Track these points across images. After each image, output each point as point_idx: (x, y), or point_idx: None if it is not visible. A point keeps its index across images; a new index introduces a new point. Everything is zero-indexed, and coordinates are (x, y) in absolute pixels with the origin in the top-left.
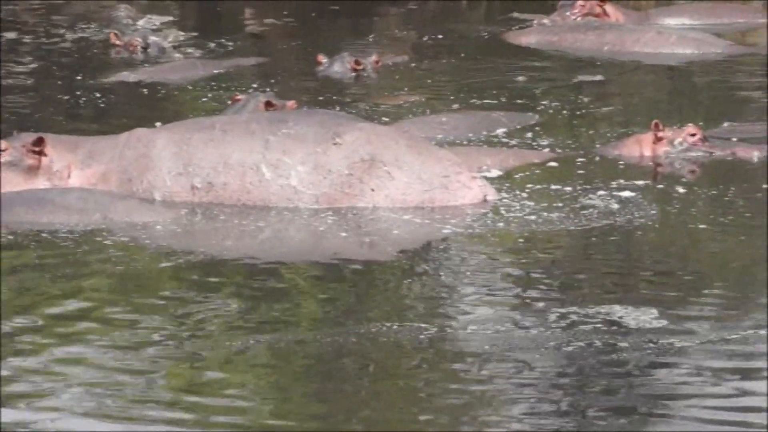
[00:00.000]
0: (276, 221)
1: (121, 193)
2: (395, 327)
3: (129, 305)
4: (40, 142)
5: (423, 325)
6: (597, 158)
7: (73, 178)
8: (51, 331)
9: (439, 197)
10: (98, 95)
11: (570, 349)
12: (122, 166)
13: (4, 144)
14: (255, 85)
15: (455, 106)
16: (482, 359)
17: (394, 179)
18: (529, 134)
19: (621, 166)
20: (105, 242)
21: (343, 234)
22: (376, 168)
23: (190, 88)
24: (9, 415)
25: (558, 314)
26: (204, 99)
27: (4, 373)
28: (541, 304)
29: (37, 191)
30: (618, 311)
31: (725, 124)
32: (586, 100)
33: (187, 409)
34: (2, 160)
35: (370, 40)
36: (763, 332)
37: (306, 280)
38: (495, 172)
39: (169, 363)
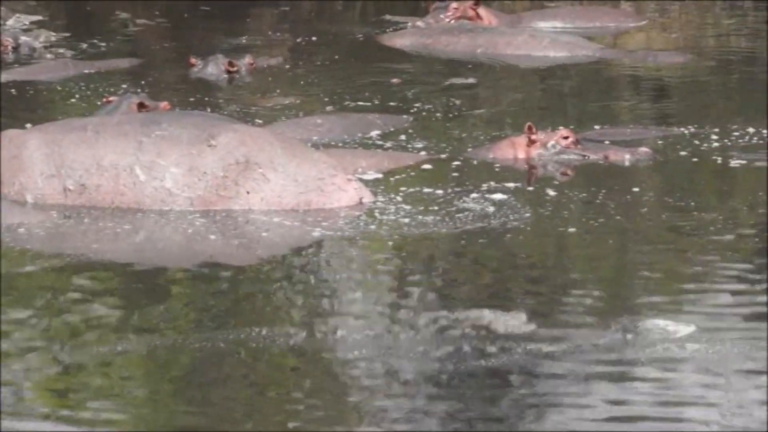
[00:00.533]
0: (150, 224)
1: None
2: (264, 332)
3: None
4: None
5: (292, 330)
6: (471, 161)
7: None
8: None
9: (315, 200)
10: None
11: (438, 354)
12: None
13: None
14: (127, 86)
15: (330, 108)
16: (351, 365)
17: (269, 181)
18: (403, 136)
19: (495, 169)
20: None
21: (217, 237)
22: (250, 170)
23: (61, 88)
24: None
25: (428, 319)
26: (75, 100)
27: None
28: (411, 309)
29: None
30: (487, 316)
31: (596, 127)
32: (459, 102)
33: (60, 420)
34: None
35: (244, 41)
36: (629, 336)
37: (179, 284)
38: (371, 175)
39: (39, 372)
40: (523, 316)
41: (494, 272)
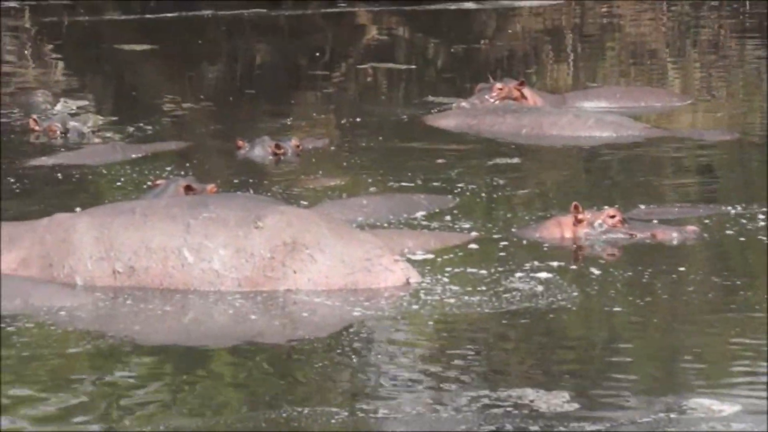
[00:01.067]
0: (198, 305)
1: (42, 278)
2: (306, 412)
3: (45, 389)
4: None
5: (335, 410)
6: (517, 240)
7: None
8: None
9: (362, 280)
10: (17, 180)
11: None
12: (43, 252)
13: None
14: (174, 169)
15: (375, 189)
16: None
17: (317, 262)
18: (449, 217)
19: (541, 249)
20: (26, 328)
21: (263, 317)
22: (297, 251)
23: (109, 172)
24: None
25: (470, 397)
26: (123, 183)
27: None
28: (454, 388)
29: None
30: (530, 395)
31: (643, 207)
32: (504, 182)
33: None
34: None
35: (289, 123)
36: (673, 415)
37: (225, 365)
38: (417, 255)
39: None
40: (566, 395)
41: (538, 352)
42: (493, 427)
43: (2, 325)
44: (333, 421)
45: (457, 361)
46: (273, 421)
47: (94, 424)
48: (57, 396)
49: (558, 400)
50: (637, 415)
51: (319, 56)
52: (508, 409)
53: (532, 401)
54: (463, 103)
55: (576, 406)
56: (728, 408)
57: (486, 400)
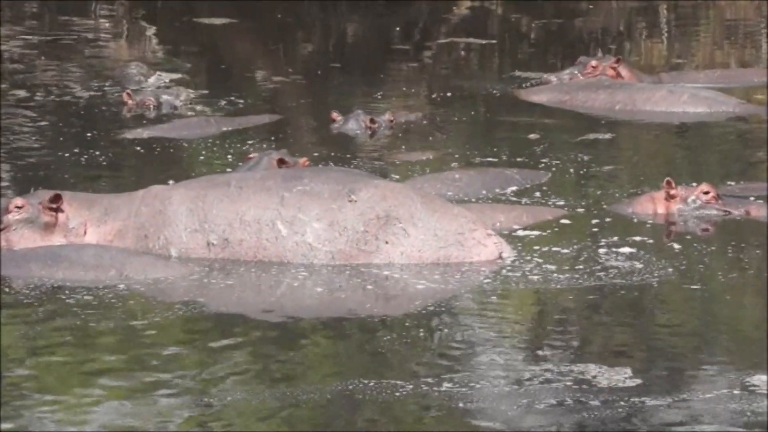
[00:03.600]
0: (291, 277)
1: (137, 249)
2: (372, 384)
3: (141, 359)
4: (56, 199)
5: (400, 382)
6: (610, 216)
7: (89, 235)
8: (59, 383)
9: (455, 254)
10: (112, 153)
11: (541, 406)
12: (138, 223)
13: (20, 201)
14: (267, 142)
15: (467, 163)
16: (473, 416)
17: (410, 236)
18: (541, 192)
19: (634, 224)
20: (120, 297)
21: (356, 290)
22: (391, 225)
23: (204, 145)
24: None
25: (534, 372)
26: (217, 156)
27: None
28: (525, 362)
29: (53, 247)
30: (592, 370)
31: (734, 184)
32: (597, 158)
33: None
34: (19, 217)
35: (379, 97)
36: (736, 392)
37: (319, 337)
38: (510, 230)
39: (180, 415)
40: (628, 371)
41: (615, 328)
42: (554, 401)
43: (96, 296)
44: (397, 393)
45: (536, 336)
46: (364, 391)
47: (185, 395)
48: (150, 366)
49: (620, 376)
50: (700, 391)
51: (408, 30)
52: (568, 383)
53: (593, 377)
54: (553, 78)
55: (638, 381)
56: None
57: (549, 375)
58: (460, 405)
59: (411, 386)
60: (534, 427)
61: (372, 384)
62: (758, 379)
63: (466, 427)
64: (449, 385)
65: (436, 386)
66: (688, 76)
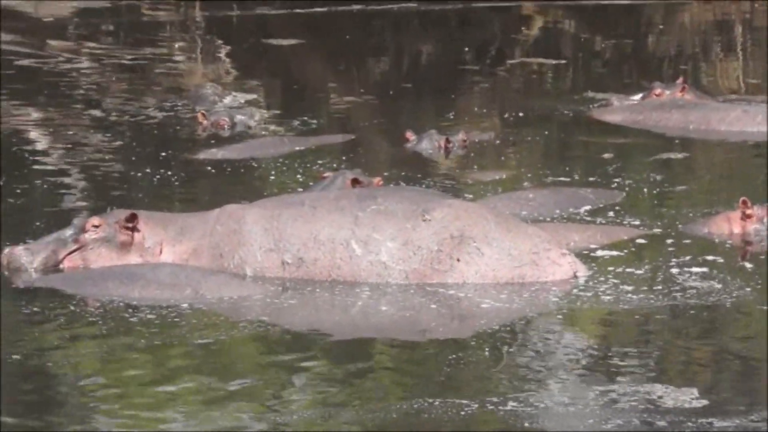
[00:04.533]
0: (365, 297)
1: (212, 268)
2: (437, 403)
3: (215, 376)
4: (133, 218)
5: (465, 401)
6: (685, 236)
7: (165, 254)
8: (132, 398)
9: (529, 273)
10: (186, 172)
11: (609, 426)
12: (214, 242)
13: (97, 220)
14: (340, 162)
15: (540, 182)
16: None
17: (484, 255)
18: (615, 212)
19: (709, 245)
20: (195, 316)
21: (432, 309)
22: (465, 244)
23: (277, 165)
24: None
25: (599, 392)
26: (291, 176)
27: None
28: (592, 382)
29: (130, 266)
30: (659, 390)
31: None
32: (671, 177)
33: None
34: (96, 236)
35: (452, 117)
36: None
37: (392, 357)
38: (584, 249)
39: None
40: (695, 392)
41: (684, 348)
42: (620, 421)
43: (172, 315)
44: (462, 413)
45: (605, 356)
46: (440, 410)
47: (256, 412)
48: (223, 382)
49: (686, 397)
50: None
51: (480, 50)
52: (634, 403)
53: (660, 397)
54: (615, 101)
55: (705, 402)
56: None
57: (614, 395)
58: (525, 425)
59: (476, 405)
60: None
61: (437, 403)
62: None
63: None
64: (514, 404)
65: (501, 405)
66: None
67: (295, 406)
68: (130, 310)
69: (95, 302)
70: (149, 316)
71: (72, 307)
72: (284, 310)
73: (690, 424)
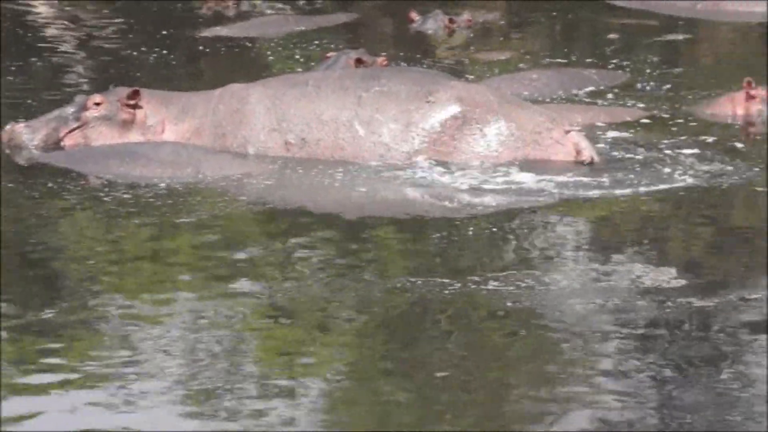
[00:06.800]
0: (366, 177)
1: (214, 147)
2: (419, 282)
3: (217, 254)
4: (135, 95)
5: (447, 281)
6: (689, 117)
7: (167, 132)
8: (134, 276)
9: (532, 153)
10: (190, 50)
11: (590, 306)
12: (216, 121)
13: (99, 98)
14: (346, 41)
15: (545, 62)
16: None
17: (486, 136)
18: (618, 92)
19: (713, 125)
20: (196, 193)
21: (432, 189)
22: (468, 125)
23: (282, 43)
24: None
25: (580, 270)
26: (295, 55)
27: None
28: (575, 267)
29: (131, 144)
30: (638, 269)
31: None
32: (677, 58)
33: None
34: (97, 114)
35: None
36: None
37: (393, 235)
38: (586, 129)
39: (252, 306)
40: (673, 271)
41: (669, 227)
42: (601, 301)
43: (173, 193)
44: (446, 291)
45: (596, 238)
46: (387, 291)
47: (260, 282)
48: (226, 256)
49: (665, 276)
50: (746, 291)
51: None
52: (613, 282)
53: (638, 276)
54: None
55: (683, 282)
56: None
57: (594, 274)
58: (508, 304)
59: (459, 285)
60: (576, 326)
61: (419, 282)
62: None
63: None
64: (495, 284)
65: (483, 284)
66: None
67: (294, 280)
68: (132, 189)
69: (96, 180)
70: (151, 194)
71: (73, 185)
72: (287, 189)
73: (670, 303)
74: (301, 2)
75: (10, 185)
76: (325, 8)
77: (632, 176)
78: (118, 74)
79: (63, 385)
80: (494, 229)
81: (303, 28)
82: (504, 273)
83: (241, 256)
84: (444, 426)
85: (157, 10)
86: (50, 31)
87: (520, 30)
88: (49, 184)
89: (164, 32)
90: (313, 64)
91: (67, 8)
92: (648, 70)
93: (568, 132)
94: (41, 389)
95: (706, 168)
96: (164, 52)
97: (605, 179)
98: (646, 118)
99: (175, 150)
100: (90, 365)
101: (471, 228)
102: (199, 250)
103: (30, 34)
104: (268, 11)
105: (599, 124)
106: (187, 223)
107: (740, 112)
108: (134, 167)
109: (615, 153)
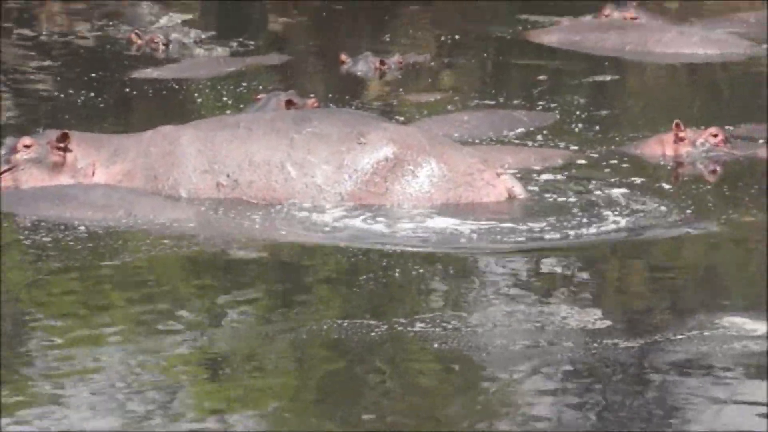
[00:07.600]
0: (300, 218)
1: (146, 190)
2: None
3: (145, 296)
4: (64, 138)
5: (374, 322)
6: (618, 158)
7: (98, 175)
8: (62, 318)
9: (464, 195)
10: (120, 92)
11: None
12: (147, 164)
13: (28, 140)
14: (277, 83)
15: (475, 105)
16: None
17: (419, 177)
18: (549, 134)
19: (642, 167)
20: (127, 236)
21: (361, 232)
22: (400, 167)
23: (213, 85)
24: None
25: (507, 311)
26: (226, 96)
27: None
28: (509, 304)
29: (62, 187)
30: (564, 311)
31: (746, 125)
32: (606, 99)
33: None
34: (27, 156)
35: (387, 39)
36: (706, 333)
37: (326, 279)
38: (516, 171)
39: (181, 346)
40: (599, 312)
41: (608, 271)
42: (528, 342)
43: (103, 236)
44: (372, 333)
45: (528, 278)
46: (314, 333)
47: (187, 331)
48: (153, 303)
49: (591, 318)
50: (671, 333)
51: None
52: (539, 324)
53: (564, 318)
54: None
55: (608, 323)
56: (762, 327)
57: (531, 325)
58: (435, 346)
59: (385, 326)
60: (498, 367)
61: (346, 324)
62: (728, 321)
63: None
64: (422, 325)
65: (409, 326)
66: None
67: (225, 321)
68: (62, 231)
69: (26, 222)
70: (81, 237)
71: (2, 227)
72: (218, 231)
73: (595, 345)
74: (234, 44)
75: None
76: (257, 49)
77: (563, 218)
78: (46, 117)
79: None
80: (422, 271)
81: (233, 69)
82: (430, 315)
83: (168, 299)
84: None
85: (84, 51)
86: None
87: (450, 72)
88: None
89: (92, 74)
90: (242, 106)
91: None
92: (577, 112)
93: (500, 174)
94: None
95: (636, 208)
96: (92, 94)
97: (536, 222)
98: (575, 159)
99: (107, 192)
100: (4, 422)
101: (398, 270)
102: (125, 292)
103: None
104: (198, 52)
105: (530, 165)
106: (116, 267)
107: (669, 153)
108: (65, 209)
109: (546, 195)
